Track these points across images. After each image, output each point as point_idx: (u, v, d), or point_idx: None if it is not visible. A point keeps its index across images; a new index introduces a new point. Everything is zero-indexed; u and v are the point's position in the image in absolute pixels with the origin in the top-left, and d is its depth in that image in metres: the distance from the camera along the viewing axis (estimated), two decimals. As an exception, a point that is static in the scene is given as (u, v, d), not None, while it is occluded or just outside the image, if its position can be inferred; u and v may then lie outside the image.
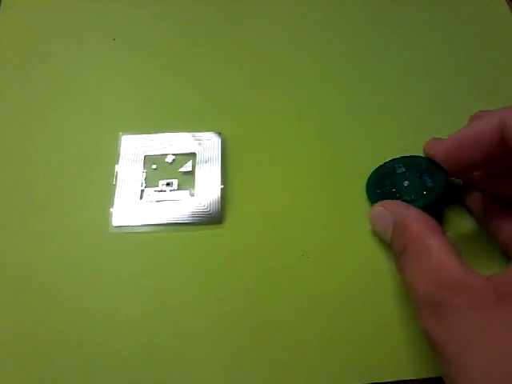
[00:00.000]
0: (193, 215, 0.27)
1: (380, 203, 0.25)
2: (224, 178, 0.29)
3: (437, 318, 0.18)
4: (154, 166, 0.29)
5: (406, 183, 0.27)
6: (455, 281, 0.19)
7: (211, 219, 0.27)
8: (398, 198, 0.26)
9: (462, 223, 0.28)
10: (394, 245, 0.23)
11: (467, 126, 0.23)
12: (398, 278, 0.25)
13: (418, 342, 0.24)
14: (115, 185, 0.28)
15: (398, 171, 0.28)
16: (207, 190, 0.28)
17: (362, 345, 0.24)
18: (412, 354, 0.24)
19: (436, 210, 0.27)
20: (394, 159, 0.28)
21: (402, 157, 0.28)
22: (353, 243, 0.27)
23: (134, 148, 0.29)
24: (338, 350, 0.24)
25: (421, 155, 0.28)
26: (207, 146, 0.30)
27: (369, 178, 0.28)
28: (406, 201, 0.26)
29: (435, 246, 0.20)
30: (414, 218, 0.22)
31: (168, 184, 0.28)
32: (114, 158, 0.29)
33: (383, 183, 0.28)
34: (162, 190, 0.28)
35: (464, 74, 0.34)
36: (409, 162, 0.28)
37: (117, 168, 0.29)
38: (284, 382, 0.24)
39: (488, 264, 0.26)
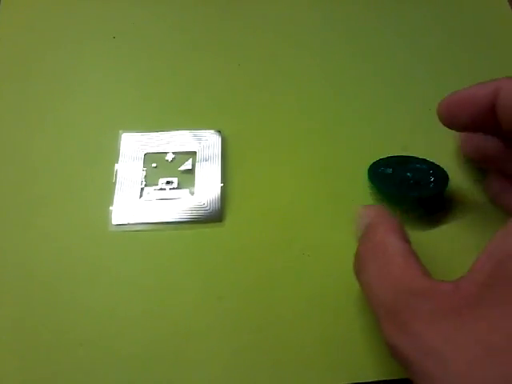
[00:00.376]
0: (193, 213, 0.27)
1: (365, 206, 0.25)
2: (224, 177, 0.29)
3: (401, 329, 0.17)
4: (153, 165, 0.29)
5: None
6: (419, 288, 0.18)
7: (211, 217, 0.27)
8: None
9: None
10: (358, 245, 0.23)
11: (466, 88, 0.24)
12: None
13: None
14: (115, 183, 0.28)
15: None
16: (207, 188, 0.28)
17: (363, 343, 0.24)
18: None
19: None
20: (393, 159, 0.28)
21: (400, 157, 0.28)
22: (353, 242, 0.27)
23: (134, 146, 0.29)
24: (338, 348, 0.24)
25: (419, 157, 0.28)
26: (207, 144, 0.30)
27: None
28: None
29: (398, 254, 0.20)
30: (383, 223, 0.22)
31: (168, 182, 0.28)
32: (114, 156, 0.29)
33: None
34: (161, 189, 0.28)
35: (464, 73, 0.33)
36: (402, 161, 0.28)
37: (117, 166, 0.29)
38: (284, 380, 0.24)
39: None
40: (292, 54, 0.34)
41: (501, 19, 0.36)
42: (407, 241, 0.21)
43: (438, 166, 0.27)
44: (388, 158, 0.28)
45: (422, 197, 0.27)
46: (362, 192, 0.28)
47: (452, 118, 0.24)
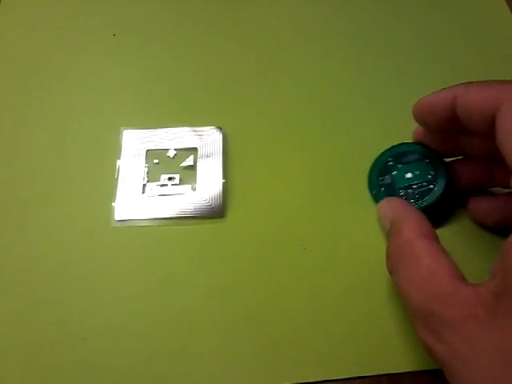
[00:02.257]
0: (195, 209, 0.28)
1: (386, 198, 0.25)
2: (225, 173, 0.29)
3: (433, 334, 0.18)
4: (155, 161, 0.29)
5: (408, 175, 0.27)
6: (444, 293, 0.18)
7: (213, 213, 0.28)
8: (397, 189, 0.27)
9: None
10: (387, 244, 0.23)
11: (427, 95, 0.24)
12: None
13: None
14: (117, 179, 0.28)
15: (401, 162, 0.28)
16: (209, 184, 0.28)
17: (363, 337, 0.25)
18: (415, 345, 0.24)
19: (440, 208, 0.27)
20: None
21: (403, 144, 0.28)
22: (353, 236, 0.27)
23: (136, 142, 0.30)
24: (339, 342, 0.24)
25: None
26: (208, 140, 0.30)
27: (371, 168, 0.28)
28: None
29: (425, 254, 0.20)
30: (409, 220, 0.22)
31: (170, 178, 0.28)
32: (116, 152, 0.29)
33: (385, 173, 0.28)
34: (164, 185, 0.28)
35: (464, 69, 0.34)
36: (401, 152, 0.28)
37: (119, 162, 0.29)
38: (285, 374, 0.24)
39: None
40: (293, 51, 0.34)
41: (500, 18, 0.36)
42: (434, 237, 0.21)
43: (435, 152, 0.27)
44: (381, 156, 0.28)
45: (426, 206, 0.26)
46: (362, 186, 0.28)
47: (423, 123, 0.25)
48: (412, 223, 0.22)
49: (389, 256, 0.22)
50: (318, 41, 0.35)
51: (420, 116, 0.25)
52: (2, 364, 0.24)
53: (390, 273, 0.22)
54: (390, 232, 0.23)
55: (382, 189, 0.27)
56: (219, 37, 0.34)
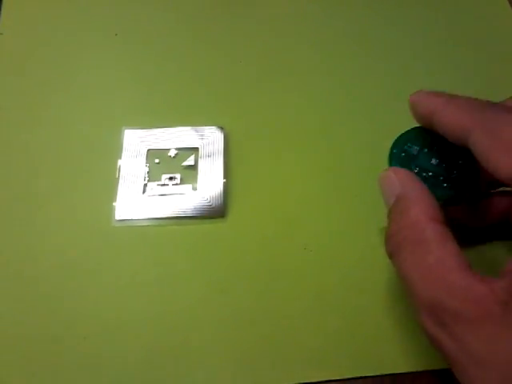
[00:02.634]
0: (196, 209, 0.28)
1: (393, 168, 0.22)
2: (226, 172, 0.29)
3: (442, 326, 0.17)
4: (156, 160, 0.29)
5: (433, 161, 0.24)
6: (456, 286, 0.17)
7: (214, 213, 0.27)
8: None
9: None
10: (388, 220, 0.21)
11: (416, 93, 0.24)
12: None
13: (423, 334, 0.24)
14: (118, 179, 0.28)
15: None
16: (210, 184, 0.28)
17: (365, 337, 0.24)
18: (417, 345, 0.24)
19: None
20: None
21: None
22: (356, 236, 0.27)
23: (137, 142, 0.29)
24: (341, 342, 0.24)
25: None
26: (210, 140, 0.30)
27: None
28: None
29: (434, 239, 0.18)
30: (418, 200, 0.20)
31: (171, 178, 0.28)
32: (117, 152, 0.29)
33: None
34: (164, 184, 0.28)
35: (466, 68, 0.34)
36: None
37: (120, 162, 0.29)
38: (286, 373, 0.24)
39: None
40: (295, 50, 0.34)
41: (502, 16, 0.36)
42: (443, 221, 0.19)
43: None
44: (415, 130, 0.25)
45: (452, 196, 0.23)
46: (364, 186, 0.28)
47: (413, 114, 0.24)
48: (423, 203, 0.20)
49: (390, 235, 0.20)
50: (320, 41, 0.35)
51: (412, 108, 0.24)
52: (2, 363, 0.24)
53: (390, 255, 0.20)
54: (395, 209, 0.20)
55: (403, 154, 0.24)
56: (221, 37, 0.34)
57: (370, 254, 0.26)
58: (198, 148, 0.29)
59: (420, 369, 0.24)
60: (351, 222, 0.27)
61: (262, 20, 0.35)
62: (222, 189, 0.28)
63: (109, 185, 0.28)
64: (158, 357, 0.24)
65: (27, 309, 0.25)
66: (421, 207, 0.19)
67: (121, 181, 0.28)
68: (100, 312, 0.25)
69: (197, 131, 0.30)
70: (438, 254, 0.18)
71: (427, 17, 0.36)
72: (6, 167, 0.29)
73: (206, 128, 0.30)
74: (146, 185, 0.28)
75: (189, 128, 0.30)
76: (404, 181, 0.21)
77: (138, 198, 0.28)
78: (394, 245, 0.20)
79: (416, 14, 0.36)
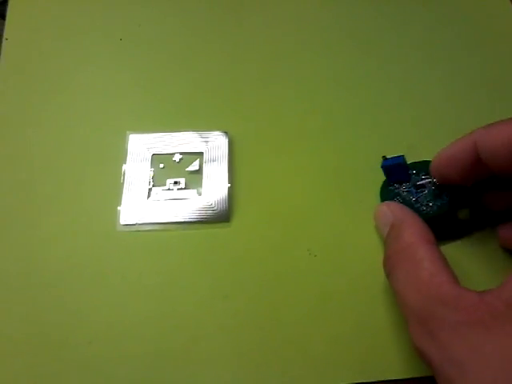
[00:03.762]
0: (200, 214, 0.28)
1: (386, 202, 0.26)
2: (231, 177, 0.29)
3: (429, 337, 0.18)
4: (161, 165, 0.29)
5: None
6: (447, 296, 0.18)
7: (218, 218, 0.28)
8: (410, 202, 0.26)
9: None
10: (385, 246, 0.23)
11: (445, 148, 0.24)
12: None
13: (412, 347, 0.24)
14: (123, 183, 0.28)
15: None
16: (214, 188, 0.28)
17: (369, 343, 0.24)
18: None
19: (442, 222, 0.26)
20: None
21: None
22: (360, 241, 0.27)
23: (142, 147, 0.30)
24: (345, 347, 0.24)
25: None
26: (214, 145, 0.30)
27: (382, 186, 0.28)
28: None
29: (426, 258, 0.20)
30: (410, 225, 0.22)
31: (175, 183, 0.28)
32: (122, 156, 0.29)
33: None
34: (169, 189, 0.28)
35: (469, 71, 0.34)
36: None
37: (124, 167, 0.29)
38: (290, 379, 0.24)
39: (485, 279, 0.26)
40: (298, 55, 0.34)
41: (505, 17, 0.36)
42: (434, 242, 0.21)
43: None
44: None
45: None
46: (368, 190, 0.28)
47: (445, 179, 0.25)
48: (414, 227, 0.22)
49: (387, 258, 0.22)
50: (324, 45, 0.35)
51: (441, 171, 0.25)
52: (7, 366, 0.24)
53: (387, 275, 0.22)
54: (390, 235, 0.23)
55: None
56: (225, 42, 0.35)
57: (374, 259, 0.26)
58: (202, 153, 0.30)
59: (424, 374, 0.24)
60: (356, 227, 0.27)
61: (266, 25, 0.35)
62: (226, 194, 0.28)
63: (113, 189, 0.28)
64: (162, 362, 0.24)
65: (32, 313, 0.25)
66: (412, 230, 0.22)
67: (125, 185, 0.28)
68: (105, 317, 0.25)
69: (201, 136, 0.30)
70: (430, 269, 0.19)
71: (433, 22, 0.36)
72: (11, 172, 0.29)
73: (211, 133, 0.30)
74: (150, 189, 0.28)
75: (193, 133, 0.30)
76: (395, 211, 0.24)
77: (143, 203, 0.28)
78: (390, 265, 0.22)
79: (422, 19, 0.36)
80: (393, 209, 0.24)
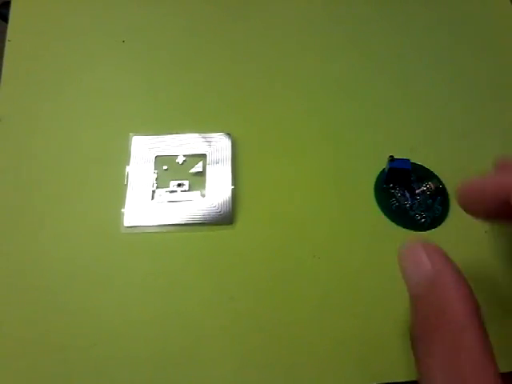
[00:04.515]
0: (204, 216, 0.28)
1: (421, 242, 0.19)
2: (235, 179, 0.29)
3: None
4: (165, 167, 0.29)
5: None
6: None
7: (222, 220, 0.28)
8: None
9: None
10: (416, 306, 0.18)
11: (477, 182, 0.21)
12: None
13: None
14: (126, 185, 0.28)
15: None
16: (218, 190, 0.28)
17: (373, 345, 0.24)
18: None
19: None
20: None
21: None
22: (364, 244, 0.27)
23: (145, 149, 0.30)
24: (349, 349, 0.24)
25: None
26: (217, 146, 0.30)
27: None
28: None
29: (476, 347, 0.16)
30: (457, 290, 0.17)
31: (179, 185, 0.28)
32: (125, 158, 0.29)
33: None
34: (173, 191, 0.28)
35: (472, 73, 0.34)
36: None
37: (128, 169, 0.29)
38: (295, 381, 0.24)
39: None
40: (301, 57, 0.34)
41: (507, 17, 0.37)
42: (481, 317, 0.17)
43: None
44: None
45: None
46: (372, 193, 0.28)
47: (472, 213, 0.22)
48: (466, 299, 0.17)
49: (420, 324, 0.18)
50: (327, 48, 0.35)
51: (469, 206, 0.22)
52: (11, 368, 0.24)
53: (414, 341, 0.18)
54: (429, 299, 0.18)
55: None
56: (228, 44, 0.35)
57: (379, 261, 0.26)
58: (205, 154, 0.30)
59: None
60: (360, 230, 0.28)
61: (268, 27, 0.36)
62: (230, 195, 0.28)
63: (117, 191, 0.28)
64: (167, 364, 0.24)
65: (35, 316, 0.25)
66: (464, 305, 0.17)
67: (129, 187, 0.28)
68: (109, 319, 0.25)
69: (205, 138, 0.30)
70: (477, 364, 0.16)
71: (435, 23, 0.36)
72: (15, 174, 0.29)
73: (214, 134, 0.30)
74: (154, 191, 0.28)
75: (197, 135, 0.30)
76: (436, 261, 0.18)
77: (147, 205, 0.28)
78: (422, 335, 0.18)
79: (424, 21, 0.36)
80: (432, 257, 0.18)
